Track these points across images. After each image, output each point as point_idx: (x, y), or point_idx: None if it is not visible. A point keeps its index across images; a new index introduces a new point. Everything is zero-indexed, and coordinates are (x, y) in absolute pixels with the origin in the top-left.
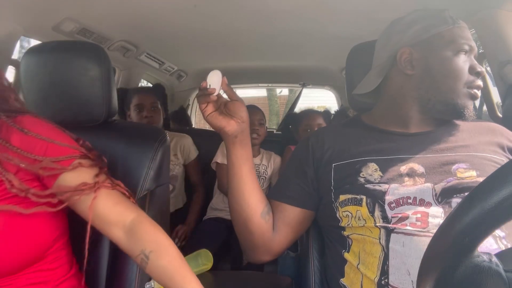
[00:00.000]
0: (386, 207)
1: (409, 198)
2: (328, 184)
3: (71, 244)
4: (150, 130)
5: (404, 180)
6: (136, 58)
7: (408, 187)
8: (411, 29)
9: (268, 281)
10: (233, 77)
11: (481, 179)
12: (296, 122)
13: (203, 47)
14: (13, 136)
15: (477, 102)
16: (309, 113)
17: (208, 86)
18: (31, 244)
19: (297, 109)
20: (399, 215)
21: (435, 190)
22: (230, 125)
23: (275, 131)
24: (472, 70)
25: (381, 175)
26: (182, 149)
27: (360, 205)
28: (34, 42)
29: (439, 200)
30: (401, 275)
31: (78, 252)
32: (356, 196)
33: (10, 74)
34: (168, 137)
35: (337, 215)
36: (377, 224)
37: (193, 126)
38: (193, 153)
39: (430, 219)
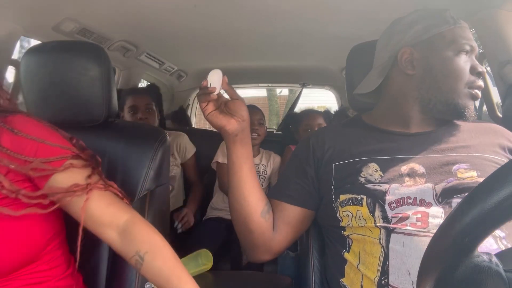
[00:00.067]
0: (387, 207)
1: (409, 198)
2: (328, 183)
3: (69, 243)
4: (150, 130)
5: (404, 180)
6: (136, 58)
7: (408, 187)
8: (412, 29)
9: (268, 281)
10: (233, 77)
11: (481, 180)
12: (296, 122)
13: (203, 47)
14: (3, 136)
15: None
16: (310, 113)
17: (208, 85)
18: (22, 246)
19: (297, 109)
20: (400, 215)
21: (435, 190)
22: (230, 124)
23: (275, 131)
24: (473, 71)
25: (382, 174)
26: (179, 147)
27: (361, 204)
28: (34, 42)
29: (440, 200)
30: (401, 275)
31: (72, 250)
32: (356, 196)
33: (10, 74)
34: (168, 137)
35: (338, 214)
36: (377, 224)
37: (193, 126)
38: (190, 150)
39: (430, 219)
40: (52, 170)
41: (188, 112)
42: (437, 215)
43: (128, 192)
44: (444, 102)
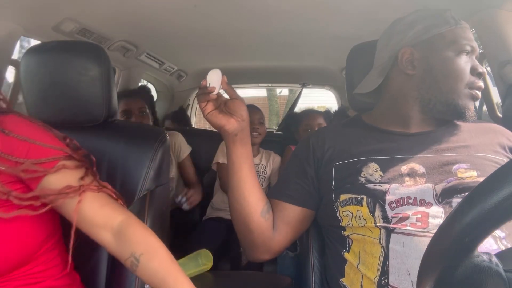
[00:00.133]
0: (387, 207)
1: (409, 198)
2: (328, 183)
3: (66, 243)
4: (150, 130)
5: (404, 180)
6: (136, 58)
7: (408, 187)
8: (412, 29)
9: (269, 281)
10: (233, 77)
11: (481, 179)
12: (296, 122)
13: (203, 47)
14: None
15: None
16: (310, 113)
17: (208, 85)
18: (14, 247)
19: (297, 109)
20: (400, 215)
21: (435, 190)
22: (230, 124)
23: (275, 131)
24: (473, 71)
25: (382, 174)
26: (173, 147)
27: (361, 204)
28: (34, 42)
29: (440, 200)
30: (401, 275)
31: (73, 250)
32: (356, 196)
33: (10, 74)
34: (168, 137)
35: (338, 214)
36: (378, 224)
37: (193, 126)
38: (185, 150)
39: (430, 219)
40: (44, 171)
41: (188, 112)
42: (437, 215)
43: (128, 192)
44: (444, 103)
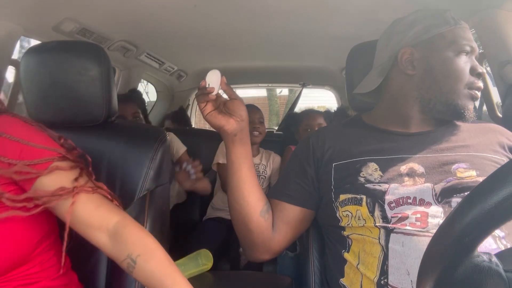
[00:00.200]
0: (386, 206)
1: (409, 198)
2: (328, 183)
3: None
4: (150, 130)
5: (404, 179)
6: (136, 58)
7: (408, 187)
8: (412, 29)
9: (269, 281)
10: (233, 77)
11: (481, 179)
12: (296, 122)
13: (203, 47)
14: None
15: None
16: (310, 113)
17: (207, 86)
18: (7, 249)
19: (297, 109)
20: (399, 215)
21: (435, 190)
22: (229, 124)
23: (275, 131)
24: (473, 71)
25: (381, 174)
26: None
27: (360, 204)
28: (34, 42)
29: (439, 200)
30: (400, 275)
31: (70, 250)
32: (356, 196)
33: (10, 74)
34: (168, 137)
35: (337, 214)
36: (377, 224)
37: (193, 126)
38: (180, 148)
39: (429, 219)
40: (37, 173)
41: (188, 112)
42: (436, 215)
43: (128, 192)
44: (444, 103)
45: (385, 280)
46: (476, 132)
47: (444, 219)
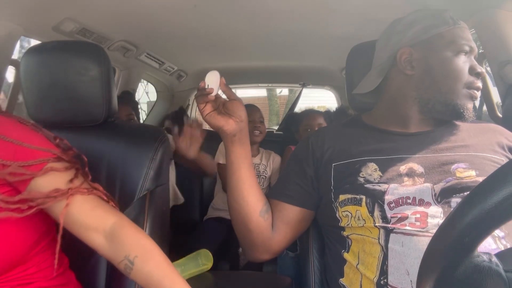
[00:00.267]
0: (386, 207)
1: (408, 198)
2: (328, 183)
3: (62, 243)
4: (150, 130)
5: (403, 179)
6: (136, 58)
7: (407, 187)
8: (411, 29)
9: (269, 281)
10: (233, 77)
11: (480, 179)
12: (296, 122)
13: (203, 47)
14: None
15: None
16: (310, 113)
17: (206, 87)
18: (2, 250)
19: (297, 109)
20: (398, 215)
21: (434, 190)
22: (228, 125)
23: (275, 131)
24: (472, 71)
25: (381, 174)
26: None
27: (360, 204)
28: (34, 42)
29: (439, 200)
30: (400, 275)
31: (70, 249)
32: (355, 196)
33: (10, 74)
34: (167, 137)
35: (337, 215)
36: (377, 224)
37: None
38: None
39: (429, 219)
40: (31, 174)
41: (188, 113)
42: (436, 215)
43: (128, 192)
44: (443, 103)
45: (385, 280)
46: (476, 132)
47: (443, 219)
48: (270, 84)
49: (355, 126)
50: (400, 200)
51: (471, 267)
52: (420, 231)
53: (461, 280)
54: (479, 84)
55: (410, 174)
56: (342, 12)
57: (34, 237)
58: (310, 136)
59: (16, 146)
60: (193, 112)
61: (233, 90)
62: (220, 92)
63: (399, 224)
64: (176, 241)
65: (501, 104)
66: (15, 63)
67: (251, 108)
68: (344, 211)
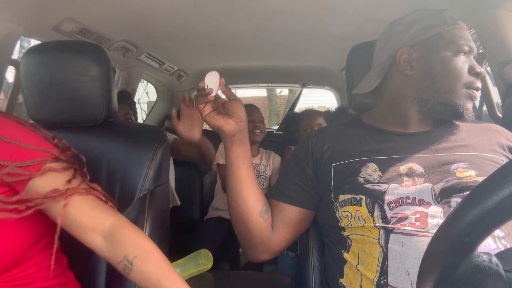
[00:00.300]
0: (386, 207)
1: (408, 198)
2: (328, 183)
3: (60, 243)
4: (150, 130)
5: (403, 179)
6: (136, 58)
7: (407, 187)
8: (410, 29)
9: (269, 281)
10: (233, 77)
11: (480, 179)
12: (296, 122)
13: (203, 47)
14: None
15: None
16: (310, 113)
17: (206, 87)
18: (1, 251)
19: (297, 109)
20: (398, 215)
21: (434, 190)
22: (228, 125)
23: (275, 131)
24: (471, 71)
25: (381, 174)
26: None
27: (360, 205)
28: (34, 42)
29: (438, 200)
30: (400, 275)
31: (69, 249)
32: (355, 196)
33: (10, 74)
34: (167, 137)
35: (337, 215)
36: (377, 224)
37: None
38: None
39: (429, 219)
40: (29, 175)
41: None
42: (436, 215)
43: (128, 192)
44: (442, 103)
45: (385, 280)
46: (475, 132)
47: (443, 219)
48: (270, 84)
49: (355, 126)
50: (400, 200)
51: (471, 267)
52: (420, 231)
53: (461, 280)
54: (479, 84)
55: (410, 174)
56: (342, 12)
57: (32, 238)
58: (310, 136)
59: (14, 146)
60: None
61: (233, 90)
62: (219, 92)
63: (399, 224)
64: (176, 241)
65: (501, 104)
66: (15, 63)
67: (251, 108)
68: (344, 211)
